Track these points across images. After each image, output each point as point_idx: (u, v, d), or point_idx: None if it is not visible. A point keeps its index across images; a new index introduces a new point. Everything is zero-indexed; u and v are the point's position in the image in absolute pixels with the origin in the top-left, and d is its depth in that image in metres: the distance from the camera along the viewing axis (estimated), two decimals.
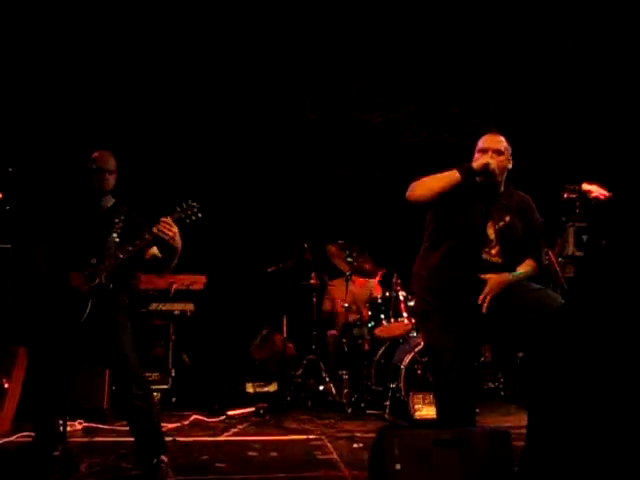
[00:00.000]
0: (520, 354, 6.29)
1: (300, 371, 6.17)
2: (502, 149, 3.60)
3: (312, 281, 6.43)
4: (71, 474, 3.68)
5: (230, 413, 5.59)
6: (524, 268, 3.60)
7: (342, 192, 7.31)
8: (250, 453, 4.39)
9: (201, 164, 7.06)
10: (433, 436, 3.02)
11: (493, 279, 3.46)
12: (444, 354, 3.51)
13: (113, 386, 5.21)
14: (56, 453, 3.66)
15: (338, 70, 7.24)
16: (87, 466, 3.93)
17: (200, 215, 3.72)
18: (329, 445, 4.60)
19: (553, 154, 7.20)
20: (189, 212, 3.70)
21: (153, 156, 6.88)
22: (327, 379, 6.07)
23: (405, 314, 6.09)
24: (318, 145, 7.33)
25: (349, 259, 6.21)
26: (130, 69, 6.76)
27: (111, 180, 3.84)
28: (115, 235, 3.73)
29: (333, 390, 5.99)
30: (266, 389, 6.42)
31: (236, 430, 5.14)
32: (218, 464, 4.10)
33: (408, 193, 3.53)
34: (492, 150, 3.57)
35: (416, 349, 5.62)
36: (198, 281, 6.28)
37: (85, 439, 4.68)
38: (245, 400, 6.08)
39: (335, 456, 4.32)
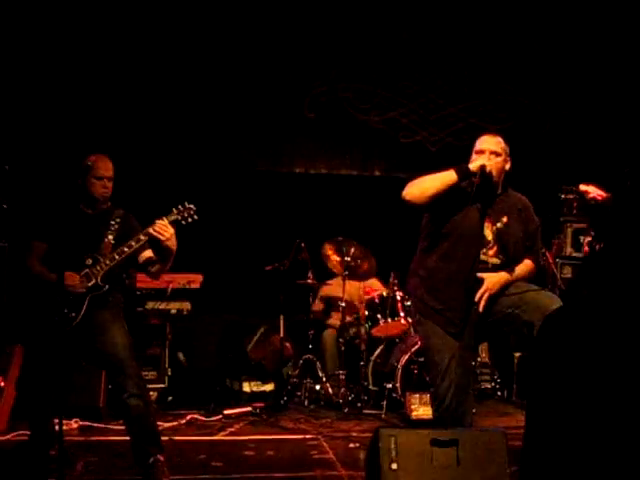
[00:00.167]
0: (517, 354, 6.30)
1: (297, 371, 6.17)
2: (499, 150, 3.60)
3: (309, 280, 6.42)
4: (67, 473, 3.66)
5: (226, 412, 5.58)
6: (522, 269, 3.61)
7: (339, 191, 7.30)
8: (246, 452, 4.39)
9: (197, 163, 7.05)
10: (430, 436, 3.02)
11: (490, 278, 3.47)
12: (441, 354, 3.51)
13: (109, 385, 5.20)
14: (52, 452, 3.65)
15: (336, 69, 7.24)
16: (83, 465, 3.93)
17: (196, 217, 3.74)
18: (325, 445, 4.60)
19: (551, 155, 7.21)
20: (185, 214, 3.71)
21: (149, 155, 6.86)
22: (324, 379, 6.07)
23: (402, 314, 6.09)
24: (315, 144, 7.32)
25: (346, 258, 6.20)
26: (127, 69, 6.75)
27: (111, 187, 3.84)
28: (111, 237, 3.73)
29: (330, 390, 5.99)
30: (263, 388, 6.41)
31: (232, 429, 5.13)
32: (214, 463, 4.10)
33: (404, 193, 3.54)
34: (489, 151, 3.57)
35: (413, 349, 5.62)
36: (195, 280, 6.27)
37: (81, 438, 4.68)
38: (242, 399, 6.07)
39: (331, 456, 4.32)
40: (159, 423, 4.15)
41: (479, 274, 3.48)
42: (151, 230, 3.61)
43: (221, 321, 6.80)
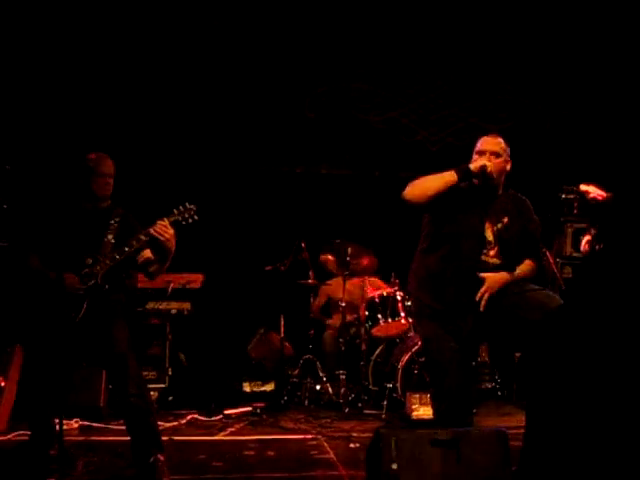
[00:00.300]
0: (517, 354, 6.30)
1: (297, 370, 6.17)
2: (500, 151, 3.60)
3: (310, 280, 6.42)
4: (67, 473, 3.67)
5: (227, 412, 5.59)
6: (522, 269, 3.62)
7: (340, 191, 7.30)
8: (247, 452, 4.39)
9: (198, 163, 7.05)
10: (430, 436, 3.02)
11: (491, 277, 3.48)
12: (441, 354, 3.51)
13: (109, 385, 5.21)
14: (52, 452, 3.64)
15: (336, 69, 7.24)
16: (83, 465, 3.92)
17: (197, 218, 3.74)
18: (326, 445, 4.60)
19: (551, 155, 7.20)
20: (186, 214, 3.71)
21: (150, 155, 6.86)
22: (324, 378, 6.07)
23: (402, 314, 6.09)
24: (316, 144, 7.32)
25: (347, 258, 6.20)
26: (127, 68, 6.74)
27: (112, 184, 3.84)
28: (111, 236, 3.73)
29: (330, 390, 5.99)
30: (263, 388, 6.41)
31: (233, 429, 5.13)
32: (215, 463, 4.10)
33: (404, 193, 3.54)
34: (490, 152, 3.58)
35: (413, 349, 5.62)
36: (195, 280, 6.27)
37: (81, 438, 4.67)
38: (242, 399, 6.07)
39: (332, 456, 4.31)
40: (159, 423, 4.15)
41: (480, 274, 3.49)
42: (152, 230, 3.61)
43: (221, 321, 6.80)
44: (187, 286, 6.24)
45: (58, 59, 6.52)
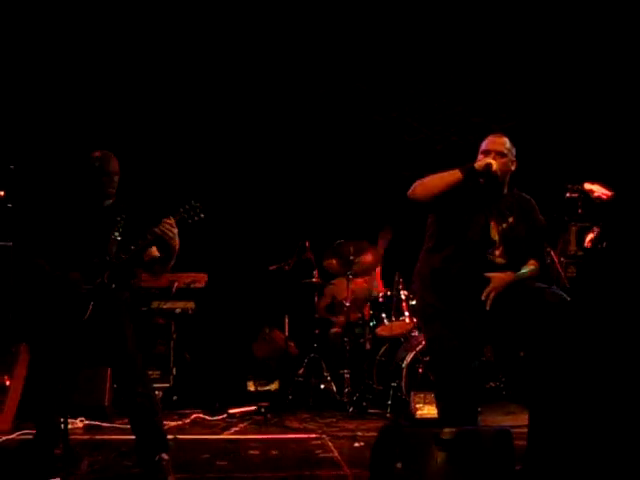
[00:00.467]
0: (522, 353, 6.28)
1: (302, 370, 6.17)
2: (505, 151, 3.60)
3: (313, 279, 6.42)
4: (72, 472, 3.68)
5: (231, 411, 5.59)
6: (527, 268, 3.61)
7: (344, 191, 7.30)
8: (251, 452, 4.39)
9: (202, 162, 7.06)
10: (435, 435, 3.02)
11: (497, 277, 3.48)
12: (446, 354, 3.51)
13: (114, 384, 5.21)
14: (57, 451, 3.65)
15: (339, 69, 7.23)
16: (88, 464, 3.93)
17: (202, 216, 3.72)
18: (330, 444, 4.60)
19: (555, 153, 7.19)
20: (192, 213, 3.70)
21: (155, 154, 6.87)
22: (328, 378, 6.07)
23: (407, 313, 6.08)
24: (319, 143, 7.32)
25: (351, 257, 6.20)
26: (132, 66, 6.74)
27: (117, 182, 3.84)
28: (117, 234, 3.72)
29: (334, 389, 5.99)
30: (267, 388, 6.42)
31: (237, 429, 5.14)
32: (219, 462, 4.10)
33: (410, 192, 3.54)
34: (495, 152, 3.57)
35: (417, 348, 5.62)
36: (199, 279, 6.28)
37: (86, 437, 4.68)
38: (246, 399, 6.08)
39: (336, 455, 4.31)
40: (164, 422, 4.15)
41: (486, 274, 3.49)
42: (157, 230, 3.61)
43: (226, 320, 6.82)
44: (191, 285, 6.24)
45: (61, 58, 6.52)
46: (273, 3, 6.78)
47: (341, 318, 6.56)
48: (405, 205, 3.56)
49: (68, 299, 3.55)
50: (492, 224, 3.57)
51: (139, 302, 5.98)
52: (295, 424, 5.29)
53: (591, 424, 2.77)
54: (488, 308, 3.43)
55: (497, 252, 3.56)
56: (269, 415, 5.56)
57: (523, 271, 3.58)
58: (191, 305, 6.29)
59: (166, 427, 4.38)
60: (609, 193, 4.33)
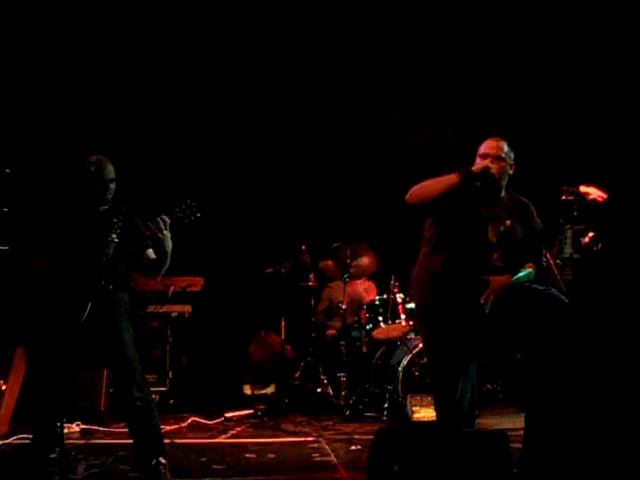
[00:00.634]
0: (518, 356, 6.29)
1: (298, 373, 6.17)
2: (502, 155, 3.61)
3: (310, 283, 6.42)
4: (68, 476, 3.67)
5: (228, 415, 5.59)
6: (525, 271, 3.62)
7: (340, 194, 7.30)
8: (248, 455, 4.39)
9: (198, 165, 7.05)
10: (431, 438, 3.02)
11: (496, 280, 3.49)
12: (444, 357, 3.51)
13: (111, 388, 5.21)
14: (53, 455, 3.64)
15: (335, 72, 7.23)
16: (85, 468, 3.92)
17: (199, 215, 3.71)
18: (327, 447, 4.60)
19: (551, 156, 7.20)
20: (187, 212, 3.69)
21: (151, 156, 6.87)
22: (325, 381, 6.07)
23: (403, 316, 6.08)
24: (315, 146, 7.32)
25: (347, 261, 6.20)
26: (130, 68, 6.72)
27: (113, 188, 3.83)
28: (114, 236, 3.71)
29: (331, 392, 5.99)
30: (264, 391, 6.42)
31: (234, 432, 5.14)
32: (216, 466, 4.10)
33: (408, 196, 3.55)
34: (492, 156, 3.58)
35: (414, 351, 5.62)
36: (196, 283, 6.28)
37: (82, 441, 4.68)
38: (243, 402, 6.08)
39: (333, 458, 4.31)
40: (160, 426, 4.14)
41: (484, 277, 3.49)
42: (151, 225, 3.59)
43: (222, 324, 6.81)
44: (188, 289, 6.24)
45: (57, 61, 6.50)
46: (270, 6, 6.77)
47: (337, 321, 6.56)
48: (401, 209, 3.56)
49: (67, 299, 3.53)
50: (490, 227, 3.57)
51: (135, 306, 5.97)
52: (292, 427, 5.29)
53: (587, 427, 2.78)
54: (487, 311, 3.43)
55: (495, 255, 3.57)
56: (266, 419, 5.56)
57: (521, 274, 3.59)
58: (187, 309, 6.29)
59: (163, 431, 4.37)
60: (605, 196, 4.34)
